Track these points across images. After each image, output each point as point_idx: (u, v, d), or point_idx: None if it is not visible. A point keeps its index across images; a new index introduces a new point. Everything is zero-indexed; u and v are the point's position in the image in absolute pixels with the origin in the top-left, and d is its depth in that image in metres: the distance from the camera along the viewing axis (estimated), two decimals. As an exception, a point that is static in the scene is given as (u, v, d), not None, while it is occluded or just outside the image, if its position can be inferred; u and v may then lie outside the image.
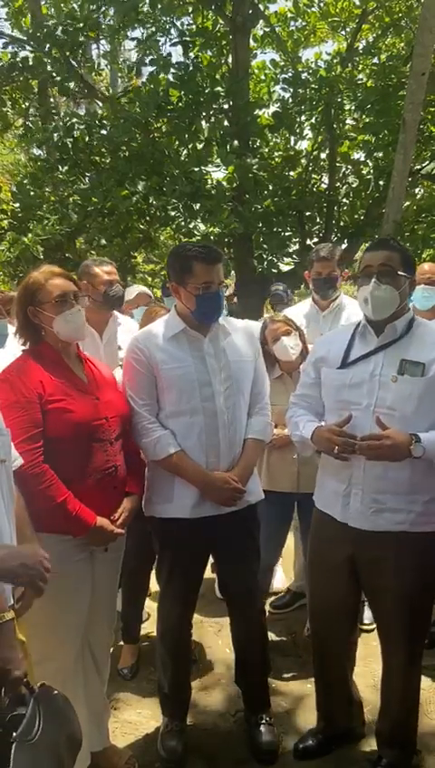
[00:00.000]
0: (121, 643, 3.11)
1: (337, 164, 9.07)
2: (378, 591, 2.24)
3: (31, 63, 8.13)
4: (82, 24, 7.74)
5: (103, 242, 7.85)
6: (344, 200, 9.43)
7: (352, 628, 2.44)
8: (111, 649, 2.49)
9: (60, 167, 7.94)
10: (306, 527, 3.17)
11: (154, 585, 2.78)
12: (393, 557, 2.13)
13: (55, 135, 7.82)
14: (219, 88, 8.07)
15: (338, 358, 2.22)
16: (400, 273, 2.09)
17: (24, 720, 1.39)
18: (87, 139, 7.91)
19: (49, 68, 8.13)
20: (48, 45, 7.78)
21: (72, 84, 8.16)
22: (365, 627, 3.12)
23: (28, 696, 1.45)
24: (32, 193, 7.73)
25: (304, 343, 3.05)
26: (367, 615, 3.16)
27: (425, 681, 2.79)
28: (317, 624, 2.49)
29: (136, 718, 2.72)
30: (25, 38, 8.16)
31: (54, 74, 8.09)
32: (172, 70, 7.94)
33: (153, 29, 8.09)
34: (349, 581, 2.27)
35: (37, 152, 8.91)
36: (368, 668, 2.91)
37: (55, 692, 1.54)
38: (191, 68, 7.89)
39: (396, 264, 2.10)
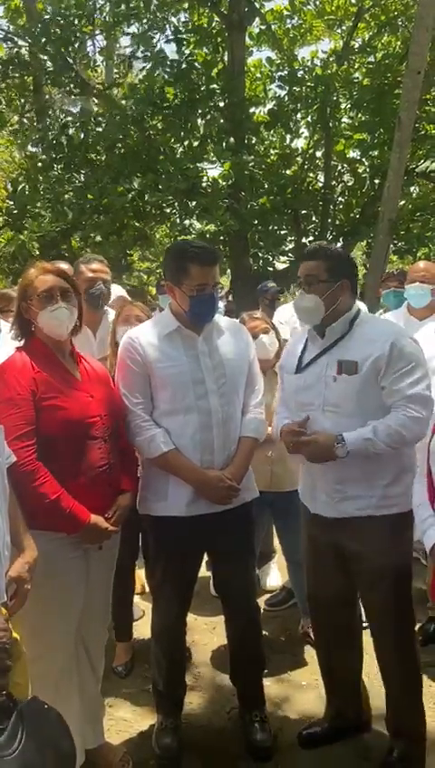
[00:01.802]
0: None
1: (333, 162, 9.06)
2: (360, 577, 2.30)
3: (27, 59, 8.11)
4: (76, 20, 7.71)
5: (99, 239, 7.83)
6: (340, 198, 9.43)
7: (350, 615, 2.44)
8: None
9: (55, 165, 7.92)
10: (281, 526, 3.21)
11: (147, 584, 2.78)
12: (365, 541, 2.22)
13: (50, 134, 7.80)
14: (215, 85, 8.05)
15: (294, 363, 2.37)
16: (322, 280, 2.22)
17: (3, 735, 1.36)
18: (82, 136, 7.89)
19: (44, 58, 8.08)
20: (43, 40, 7.75)
21: (65, 78, 8.12)
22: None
23: (12, 710, 1.43)
24: (27, 192, 7.71)
25: (279, 342, 3.08)
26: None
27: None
28: (314, 612, 2.54)
29: (131, 716, 2.72)
30: (21, 33, 8.12)
31: (49, 67, 8.05)
32: (166, 68, 7.92)
33: (148, 25, 8.06)
34: (336, 567, 2.33)
35: (32, 149, 8.88)
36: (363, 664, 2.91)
37: (46, 706, 1.51)
38: (184, 66, 7.86)
39: (320, 272, 2.23)
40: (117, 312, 2.99)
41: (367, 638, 2.52)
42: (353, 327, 2.24)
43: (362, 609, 2.75)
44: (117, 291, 4.25)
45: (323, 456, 2.17)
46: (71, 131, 8.03)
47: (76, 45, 8.08)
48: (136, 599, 3.26)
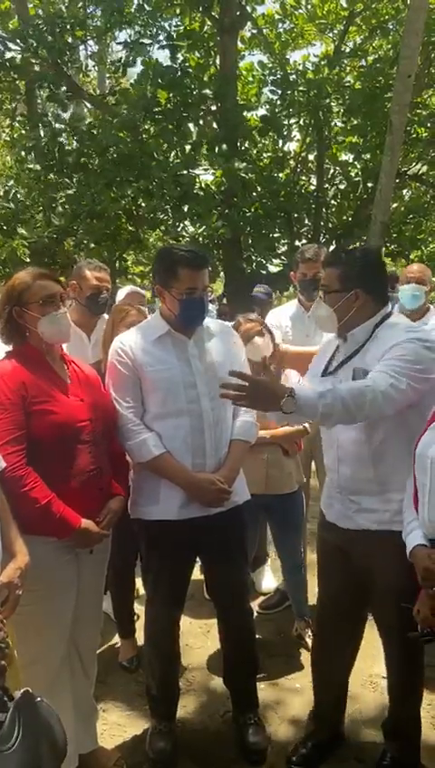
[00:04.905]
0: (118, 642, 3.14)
1: (326, 165, 9.11)
2: (370, 587, 2.27)
3: (18, 63, 8.11)
4: (68, 26, 7.73)
5: (92, 245, 7.83)
6: (333, 202, 9.47)
7: (355, 624, 2.41)
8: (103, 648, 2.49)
9: (47, 173, 7.92)
10: (276, 528, 3.21)
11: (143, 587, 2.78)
12: (378, 555, 2.17)
13: (42, 141, 7.80)
14: (207, 90, 8.08)
15: (321, 367, 2.30)
16: (334, 290, 2.15)
17: (2, 729, 1.37)
18: (74, 143, 7.90)
19: (37, 68, 8.10)
20: (35, 44, 7.76)
21: (59, 90, 8.14)
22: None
23: (8, 704, 1.44)
24: (19, 198, 7.70)
25: (274, 345, 3.06)
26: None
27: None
28: (321, 616, 2.50)
29: (124, 720, 2.71)
30: (12, 37, 8.12)
31: (42, 77, 8.06)
32: (161, 78, 7.94)
33: (141, 31, 8.08)
34: (347, 573, 2.29)
35: (23, 153, 8.88)
36: (357, 668, 2.90)
37: (38, 699, 1.51)
38: (179, 73, 7.89)
39: (333, 281, 2.16)
40: (119, 316, 2.92)
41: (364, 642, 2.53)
42: (376, 333, 2.14)
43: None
44: (127, 290, 4.34)
45: (267, 404, 1.88)
46: (63, 138, 8.04)
47: (68, 52, 8.09)
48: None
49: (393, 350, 2.01)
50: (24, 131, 8.84)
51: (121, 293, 4.22)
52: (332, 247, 8.86)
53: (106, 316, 3.42)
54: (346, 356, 2.20)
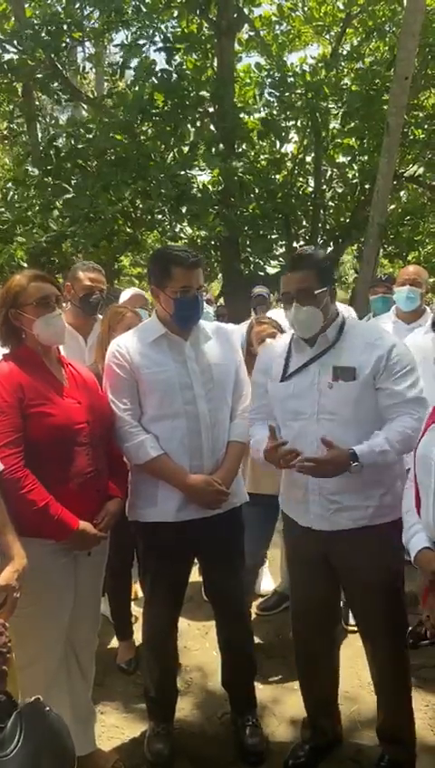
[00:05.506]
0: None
1: (323, 167, 9.13)
2: (352, 586, 2.28)
3: (15, 65, 8.11)
4: (65, 26, 7.73)
5: (91, 250, 7.84)
6: (330, 203, 9.49)
7: (334, 627, 2.44)
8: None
9: (44, 176, 7.93)
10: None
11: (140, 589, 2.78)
12: (359, 553, 2.18)
13: (40, 147, 7.81)
14: (204, 92, 8.09)
15: (279, 371, 2.29)
16: (317, 291, 2.15)
17: (2, 734, 1.37)
18: (72, 143, 7.90)
19: (32, 64, 8.09)
20: (32, 45, 7.76)
21: (55, 84, 8.15)
22: (350, 627, 3.13)
23: (11, 710, 1.43)
24: (17, 202, 7.70)
25: None
26: (351, 616, 3.17)
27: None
28: (299, 624, 2.48)
29: (122, 722, 2.71)
30: (8, 38, 8.13)
31: (38, 74, 8.06)
32: (156, 79, 7.95)
33: (138, 33, 8.09)
34: (324, 579, 2.29)
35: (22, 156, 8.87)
36: (354, 669, 2.92)
37: (47, 708, 1.50)
38: (175, 77, 7.91)
39: (312, 282, 2.16)
40: (115, 319, 2.94)
41: (351, 643, 2.53)
42: (344, 333, 2.21)
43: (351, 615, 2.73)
44: (130, 292, 4.41)
45: (336, 473, 2.06)
46: (60, 141, 8.04)
47: (65, 52, 8.11)
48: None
49: (390, 366, 2.11)
50: (22, 131, 8.85)
51: (125, 295, 4.24)
52: (329, 250, 8.88)
53: (101, 317, 3.44)
54: (313, 356, 2.21)
